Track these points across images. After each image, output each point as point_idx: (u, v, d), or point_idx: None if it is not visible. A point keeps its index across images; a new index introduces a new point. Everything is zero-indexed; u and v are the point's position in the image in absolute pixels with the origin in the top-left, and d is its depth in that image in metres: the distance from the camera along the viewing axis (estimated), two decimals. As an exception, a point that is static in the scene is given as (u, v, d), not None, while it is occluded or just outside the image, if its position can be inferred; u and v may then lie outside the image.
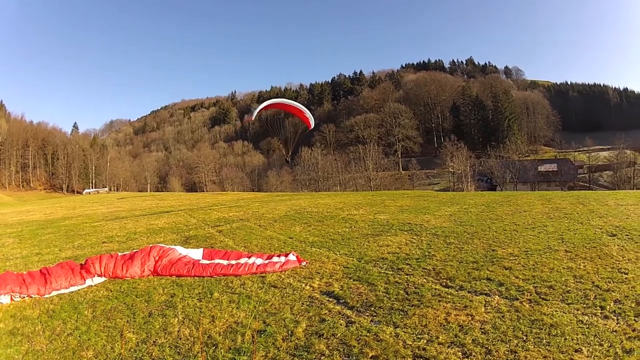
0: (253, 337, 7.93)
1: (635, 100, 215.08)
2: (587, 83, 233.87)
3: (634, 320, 8.09)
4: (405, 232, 18.47)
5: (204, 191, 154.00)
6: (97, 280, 12.30)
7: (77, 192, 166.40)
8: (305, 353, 7.37)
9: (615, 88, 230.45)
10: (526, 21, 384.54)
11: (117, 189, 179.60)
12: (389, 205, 29.95)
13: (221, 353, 7.48)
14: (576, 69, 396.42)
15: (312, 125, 29.81)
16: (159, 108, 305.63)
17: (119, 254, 13.60)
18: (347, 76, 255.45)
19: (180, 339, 8.15)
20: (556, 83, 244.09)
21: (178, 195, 72.81)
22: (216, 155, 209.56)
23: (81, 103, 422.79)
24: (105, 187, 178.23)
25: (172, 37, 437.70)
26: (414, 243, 16.14)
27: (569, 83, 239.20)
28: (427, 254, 14.19)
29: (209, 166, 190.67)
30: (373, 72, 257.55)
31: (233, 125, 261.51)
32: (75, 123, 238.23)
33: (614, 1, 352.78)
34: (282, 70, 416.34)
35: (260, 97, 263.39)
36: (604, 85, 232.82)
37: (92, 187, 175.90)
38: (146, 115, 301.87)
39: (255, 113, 30.28)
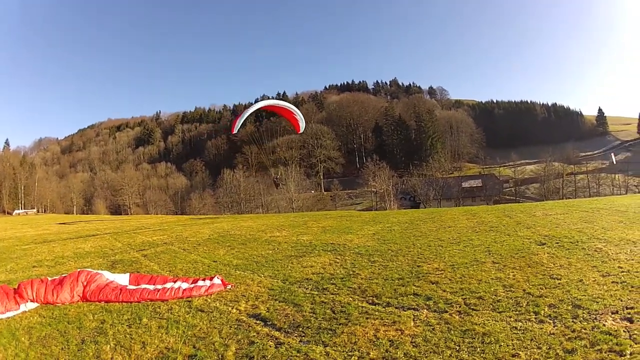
0: None
1: (564, 115, 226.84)
2: (513, 100, 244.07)
3: (572, 322, 8.38)
4: (329, 252, 18.58)
5: (128, 214, 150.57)
6: (30, 305, 11.99)
7: (8, 213, 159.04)
8: None
9: (543, 104, 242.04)
10: (452, 43, 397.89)
11: (45, 211, 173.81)
12: (312, 226, 30.21)
13: (156, 379, 7.21)
14: (504, 88, 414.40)
15: (302, 130, 29.36)
16: (86, 127, 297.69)
17: (49, 278, 13.27)
18: (270, 97, 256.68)
19: None
20: (481, 102, 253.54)
21: (103, 218, 72.27)
22: (140, 177, 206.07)
23: (12, 119, 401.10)
24: (34, 208, 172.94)
25: (102, 48, 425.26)
26: (338, 263, 16.23)
27: (495, 101, 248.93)
28: (351, 273, 14.27)
29: (132, 188, 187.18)
30: (297, 93, 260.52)
31: (157, 146, 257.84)
32: (7, 140, 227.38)
33: (540, 22, 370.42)
34: (206, 90, 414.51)
35: (184, 118, 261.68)
36: (531, 102, 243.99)
37: (21, 208, 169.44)
38: (73, 134, 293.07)
39: (239, 124, 29.60)
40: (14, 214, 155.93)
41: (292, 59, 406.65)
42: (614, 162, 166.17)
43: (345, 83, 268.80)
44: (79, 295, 12.54)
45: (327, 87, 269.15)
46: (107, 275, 13.68)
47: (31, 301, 12.07)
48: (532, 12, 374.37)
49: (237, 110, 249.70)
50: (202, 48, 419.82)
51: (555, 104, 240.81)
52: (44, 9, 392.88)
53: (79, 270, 13.85)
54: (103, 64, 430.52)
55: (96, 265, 18.81)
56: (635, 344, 7.25)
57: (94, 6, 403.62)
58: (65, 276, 13.31)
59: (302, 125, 29.92)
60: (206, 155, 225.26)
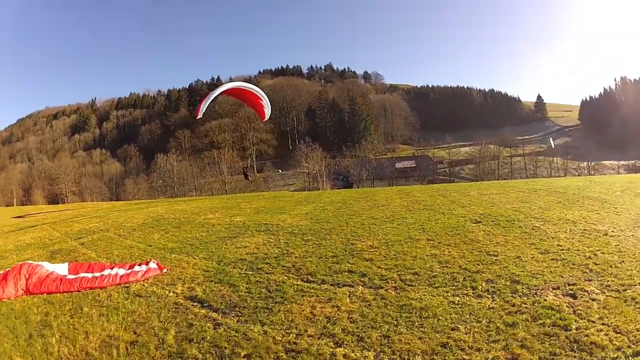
0: (127, 349, 7.78)
1: (501, 101, 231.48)
2: (449, 85, 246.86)
3: (512, 296, 8.54)
4: (262, 233, 18.55)
5: (65, 202, 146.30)
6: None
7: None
8: (179, 359, 7.27)
9: (480, 89, 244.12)
10: (390, 28, 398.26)
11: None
12: (245, 207, 30.09)
13: (102, 369, 7.11)
14: (441, 73, 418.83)
15: (267, 117, 28.38)
16: (25, 116, 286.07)
17: (-7, 274, 13.02)
18: (204, 82, 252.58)
19: (61, 358, 7.82)
20: (417, 86, 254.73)
21: (41, 209, 70.50)
22: (76, 165, 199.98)
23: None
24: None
25: (37, 36, 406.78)
26: (271, 242, 16.21)
27: (430, 86, 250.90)
28: (285, 252, 14.28)
29: (69, 176, 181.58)
30: (231, 78, 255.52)
31: (92, 133, 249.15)
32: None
33: (478, 13, 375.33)
34: (140, 75, 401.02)
35: (119, 104, 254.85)
36: (467, 87, 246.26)
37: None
38: (12, 125, 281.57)
39: (204, 107, 28.30)
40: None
41: (227, 42, 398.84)
42: (553, 146, 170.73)
43: (280, 67, 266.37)
44: (22, 289, 12.36)
45: (262, 71, 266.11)
46: (47, 267, 13.52)
47: None
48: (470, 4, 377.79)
49: (171, 96, 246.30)
50: (134, 33, 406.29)
51: (493, 89, 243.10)
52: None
53: (20, 263, 13.68)
54: (39, 51, 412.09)
55: (37, 256, 18.27)
56: (581, 319, 7.39)
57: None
58: (8, 270, 13.17)
59: (267, 111, 29.25)
60: (140, 140, 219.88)
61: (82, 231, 25.84)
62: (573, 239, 12.89)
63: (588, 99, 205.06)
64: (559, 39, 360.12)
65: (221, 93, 27.76)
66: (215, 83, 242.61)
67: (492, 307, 8.03)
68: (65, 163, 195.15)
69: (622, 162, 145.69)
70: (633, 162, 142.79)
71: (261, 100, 28.77)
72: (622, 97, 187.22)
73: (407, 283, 9.85)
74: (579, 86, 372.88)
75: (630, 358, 6.18)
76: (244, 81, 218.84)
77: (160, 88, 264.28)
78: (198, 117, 28.47)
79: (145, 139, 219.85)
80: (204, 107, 28.11)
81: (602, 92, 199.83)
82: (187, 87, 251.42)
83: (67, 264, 14.37)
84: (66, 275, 13.04)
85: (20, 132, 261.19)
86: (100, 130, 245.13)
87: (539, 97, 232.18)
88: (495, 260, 11.15)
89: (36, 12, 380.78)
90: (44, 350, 8.17)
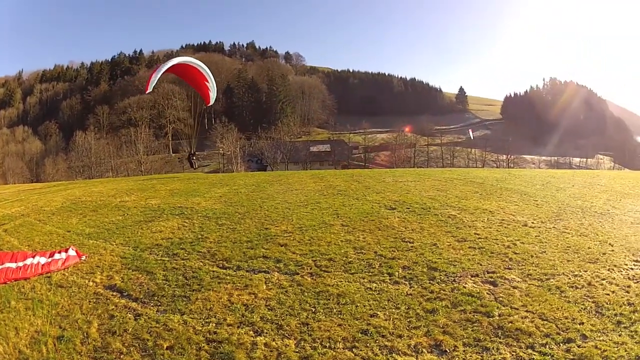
0: (55, 345, 7.59)
1: (422, 90, 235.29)
2: (370, 71, 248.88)
3: (429, 283, 8.79)
4: (177, 217, 18.37)
5: None
6: None
7: None
8: (105, 354, 7.15)
9: (401, 77, 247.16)
10: (313, 9, 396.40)
11: None
12: (160, 189, 29.67)
13: (35, 367, 6.98)
14: (362, 59, 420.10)
15: (212, 102, 27.15)
16: None
17: None
18: (127, 55, 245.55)
19: None
20: (337, 70, 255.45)
21: None
22: (0, 144, 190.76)
23: None
24: None
25: None
26: (186, 227, 16.11)
27: (350, 70, 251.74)
28: (200, 237, 14.22)
29: None
30: (153, 52, 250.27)
31: (16, 109, 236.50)
32: None
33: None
34: (66, 46, 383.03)
35: (44, 77, 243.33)
36: (388, 74, 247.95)
37: None
38: None
39: (154, 81, 26.78)
40: None
41: (149, 14, 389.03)
42: (472, 138, 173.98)
43: (202, 43, 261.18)
44: None
45: (184, 46, 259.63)
46: None
47: None
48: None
49: (93, 69, 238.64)
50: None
51: (414, 78, 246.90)
52: None
53: None
54: None
55: None
56: (503, 306, 7.71)
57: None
58: None
59: (212, 95, 28.40)
60: (61, 116, 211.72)
61: (5, 217, 24.75)
62: (491, 228, 13.37)
63: (512, 95, 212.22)
64: (489, 36, 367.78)
65: (168, 68, 26.91)
66: (137, 56, 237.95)
67: (410, 294, 8.24)
68: None
69: (543, 158, 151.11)
70: (555, 158, 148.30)
71: (207, 82, 28.08)
72: (549, 96, 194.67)
73: (323, 269, 9.99)
74: (502, 84, 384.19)
75: (561, 344, 6.47)
76: (165, 55, 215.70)
77: (83, 60, 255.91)
78: (147, 92, 27.37)
79: (66, 115, 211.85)
80: (153, 80, 27.14)
81: (527, 90, 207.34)
82: (110, 60, 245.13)
83: None
84: None
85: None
86: (24, 106, 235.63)
87: (460, 89, 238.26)
88: (411, 247, 11.41)
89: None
90: (-21, 348, 7.95)
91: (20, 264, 12.35)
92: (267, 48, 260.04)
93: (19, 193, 41.08)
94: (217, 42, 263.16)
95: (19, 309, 9.43)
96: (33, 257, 12.89)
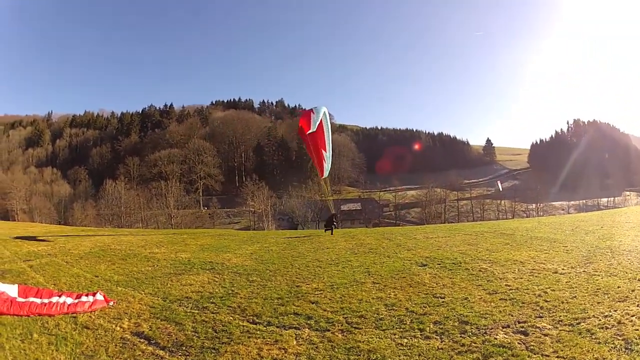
0: None
1: (449, 144, 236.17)
2: (398, 128, 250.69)
3: (460, 337, 8.65)
4: (207, 271, 18.39)
5: (15, 220, 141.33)
6: None
7: None
8: None
9: (428, 132, 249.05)
10: (341, 69, 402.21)
11: None
12: (190, 243, 29.79)
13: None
14: (389, 116, 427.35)
15: (325, 175, 27.04)
16: None
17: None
18: (157, 108, 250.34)
19: None
20: (365, 127, 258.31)
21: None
22: (27, 181, 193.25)
23: None
24: None
25: None
26: (216, 282, 16.08)
27: (379, 127, 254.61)
28: (230, 292, 14.18)
29: (20, 193, 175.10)
30: (183, 106, 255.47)
31: (45, 149, 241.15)
32: None
33: (427, 58, 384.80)
34: (96, 93, 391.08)
35: (74, 121, 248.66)
36: (416, 130, 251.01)
37: None
38: None
39: (316, 122, 27.02)
40: None
41: (181, 71, 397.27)
42: (500, 189, 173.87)
43: (232, 100, 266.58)
44: None
45: (214, 102, 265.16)
46: None
47: None
48: (419, 49, 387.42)
49: (124, 119, 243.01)
50: (96, 48, 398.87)
51: (442, 133, 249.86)
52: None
53: None
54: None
55: None
56: (534, 354, 7.58)
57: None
58: None
59: (327, 167, 28.49)
60: (90, 163, 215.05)
61: (31, 253, 25.07)
62: (522, 278, 13.22)
63: (538, 142, 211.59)
64: (512, 85, 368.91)
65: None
66: (168, 110, 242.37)
67: (441, 348, 8.10)
68: (18, 178, 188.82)
69: (572, 202, 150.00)
70: (584, 201, 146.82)
71: (326, 152, 28.04)
72: (574, 138, 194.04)
73: (354, 326, 9.86)
74: (529, 130, 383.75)
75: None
76: (195, 111, 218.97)
77: (114, 109, 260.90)
78: (310, 132, 27.23)
79: (96, 162, 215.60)
80: (315, 120, 27.16)
81: (553, 135, 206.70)
82: (140, 111, 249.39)
83: (16, 285, 13.79)
84: (16, 298, 12.61)
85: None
86: (53, 148, 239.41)
87: (488, 140, 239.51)
88: (443, 302, 11.26)
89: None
90: (-4, 372, 7.83)
91: (46, 300, 12.43)
92: (296, 106, 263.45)
93: (46, 233, 41.75)
94: (246, 100, 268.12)
95: (41, 342, 9.51)
96: (59, 296, 12.99)
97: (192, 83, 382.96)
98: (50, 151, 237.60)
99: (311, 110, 26.92)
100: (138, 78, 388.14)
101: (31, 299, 12.49)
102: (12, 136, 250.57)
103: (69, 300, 12.56)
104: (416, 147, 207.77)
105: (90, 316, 11.55)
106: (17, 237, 34.15)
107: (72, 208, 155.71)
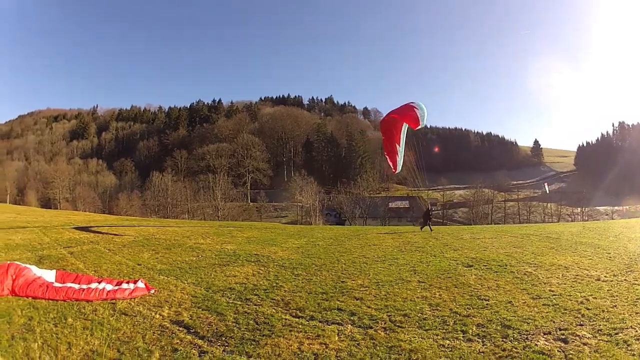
0: None
1: (498, 144, 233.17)
2: (447, 127, 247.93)
3: (502, 341, 8.51)
4: (252, 263, 18.52)
5: (57, 208, 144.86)
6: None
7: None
8: None
9: (477, 132, 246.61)
10: (390, 66, 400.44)
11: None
12: (236, 235, 30.10)
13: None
14: (440, 114, 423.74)
15: (421, 125, 26.92)
16: (26, 113, 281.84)
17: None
18: (205, 103, 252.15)
19: None
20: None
21: (33, 211, 72.33)
22: (71, 172, 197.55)
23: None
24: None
25: (46, 33, 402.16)
26: (261, 274, 16.15)
27: (428, 126, 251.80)
28: (274, 285, 14.21)
29: (64, 182, 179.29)
30: (232, 102, 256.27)
31: (90, 142, 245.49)
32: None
33: (470, 59, 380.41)
34: (143, 88, 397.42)
35: (120, 115, 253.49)
36: (465, 129, 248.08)
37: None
38: (13, 120, 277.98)
39: (400, 163, 27.74)
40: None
41: (232, 67, 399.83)
42: (547, 192, 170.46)
43: (281, 96, 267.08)
44: (8, 289, 12.27)
45: (263, 98, 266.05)
46: (35, 271, 13.36)
47: None
48: (467, 50, 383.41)
49: (171, 114, 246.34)
50: (143, 44, 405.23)
51: (490, 133, 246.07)
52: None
53: (8, 262, 13.43)
54: (48, 49, 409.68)
55: (24, 259, 18.18)
56: (573, 363, 7.37)
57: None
58: None
59: (399, 162, 28.61)
60: (137, 155, 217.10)
61: (72, 240, 25.74)
62: (565, 284, 12.97)
63: (585, 145, 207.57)
64: (559, 85, 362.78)
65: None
66: (216, 105, 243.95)
67: (483, 352, 8.00)
68: (61, 168, 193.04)
69: (616, 208, 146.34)
70: (627, 207, 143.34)
71: (399, 146, 28.07)
72: (620, 142, 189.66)
73: (397, 324, 9.79)
74: (577, 132, 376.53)
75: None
76: (244, 106, 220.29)
77: (161, 104, 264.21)
78: (396, 172, 27.74)
79: (143, 155, 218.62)
80: (399, 162, 27.62)
81: (599, 138, 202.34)
82: (188, 106, 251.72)
83: (54, 271, 14.17)
84: (53, 283, 12.89)
85: (20, 129, 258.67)
86: (99, 140, 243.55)
87: (535, 141, 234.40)
88: (487, 304, 11.14)
89: (46, 8, 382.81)
90: (25, 354, 8.09)
91: (84, 286, 12.66)
92: (345, 103, 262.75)
93: (89, 221, 42.75)
94: (295, 96, 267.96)
95: (75, 326, 9.64)
96: (99, 282, 13.24)
97: (241, 79, 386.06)
98: (96, 143, 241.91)
99: (412, 106, 26.47)
100: (187, 74, 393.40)
101: (69, 285, 12.78)
102: (55, 129, 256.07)
103: (109, 287, 12.78)
104: (435, 150, 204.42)
105: (129, 303, 11.74)
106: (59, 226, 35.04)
107: (117, 198, 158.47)
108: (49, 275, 13.48)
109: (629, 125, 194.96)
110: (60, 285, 12.72)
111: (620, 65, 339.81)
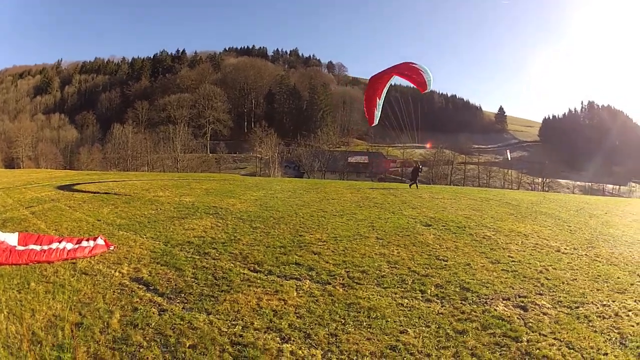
0: (72, 331, 7.47)
1: (462, 108, 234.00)
2: (411, 86, 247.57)
3: (461, 303, 8.61)
4: (211, 216, 18.54)
5: (21, 168, 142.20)
6: None
7: None
8: (124, 346, 7.04)
9: (442, 93, 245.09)
10: (354, 22, 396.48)
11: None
12: (195, 187, 30.16)
13: (47, 351, 6.91)
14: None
15: (429, 89, 25.98)
16: None
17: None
18: (169, 54, 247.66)
19: (9, 337, 7.47)
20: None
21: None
22: (34, 128, 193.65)
23: None
24: None
25: None
26: (219, 227, 16.16)
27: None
28: (233, 238, 14.24)
29: (27, 140, 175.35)
30: (195, 52, 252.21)
31: (54, 96, 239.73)
32: None
33: (442, 19, 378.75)
34: (106, 39, 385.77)
35: (84, 68, 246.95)
36: (430, 90, 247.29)
37: None
38: None
39: (377, 116, 26.97)
40: None
41: (195, 14, 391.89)
42: (509, 159, 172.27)
43: (245, 47, 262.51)
44: None
45: (227, 49, 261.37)
46: None
47: None
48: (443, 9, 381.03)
49: (134, 64, 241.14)
50: None
51: (455, 95, 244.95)
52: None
53: None
54: (9, 4, 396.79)
55: None
56: (532, 332, 7.50)
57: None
58: None
59: (377, 115, 28.14)
60: (99, 108, 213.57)
61: (34, 199, 25.34)
62: (524, 252, 13.09)
63: (551, 117, 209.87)
64: (528, 55, 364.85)
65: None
66: (180, 56, 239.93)
67: (442, 313, 8.09)
68: (25, 126, 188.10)
69: (578, 183, 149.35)
70: (589, 184, 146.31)
71: (380, 100, 27.73)
72: (587, 120, 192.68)
73: (355, 281, 9.88)
74: (541, 105, 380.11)
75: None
76: (208, 57, 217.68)
77: (125, 55, 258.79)
78: (373, 125, 27.34)
79: (104, 107, 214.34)
80: (377, 115, 27.09)
81: (566, 113, 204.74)
82: (152, 57, 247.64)
83: (17, 234, 13.92)
84: (16, 247, 12.72)
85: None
86: (62, 94, 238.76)
87: (500, 108, 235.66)
88: (445, 265, 11.25)
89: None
90: (-7, 327, 7.92)
91: (45, 247, 12.53)
92: (310, 56, 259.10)
93: (51, 178, 42.10)
94: (260, 47, 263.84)
95: (38, 291, 9.53)
96: (59, 242, 13.11)
97: (205, 29, 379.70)
98: (59, 98, 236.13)
99: (418, 69, 25.94)
100: (149, 23, 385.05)
101: (31, 247, 12.65)
102: (20, 86, 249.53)
103: (69, 246, 12.69)
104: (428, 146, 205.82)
105: (89, 262, 11.67)
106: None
107: (79, 153, 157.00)
108: (12, 239, 13.33)
109: (598, 105, 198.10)
110: (22, 248, 12.60)
111: (595, 48, 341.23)
